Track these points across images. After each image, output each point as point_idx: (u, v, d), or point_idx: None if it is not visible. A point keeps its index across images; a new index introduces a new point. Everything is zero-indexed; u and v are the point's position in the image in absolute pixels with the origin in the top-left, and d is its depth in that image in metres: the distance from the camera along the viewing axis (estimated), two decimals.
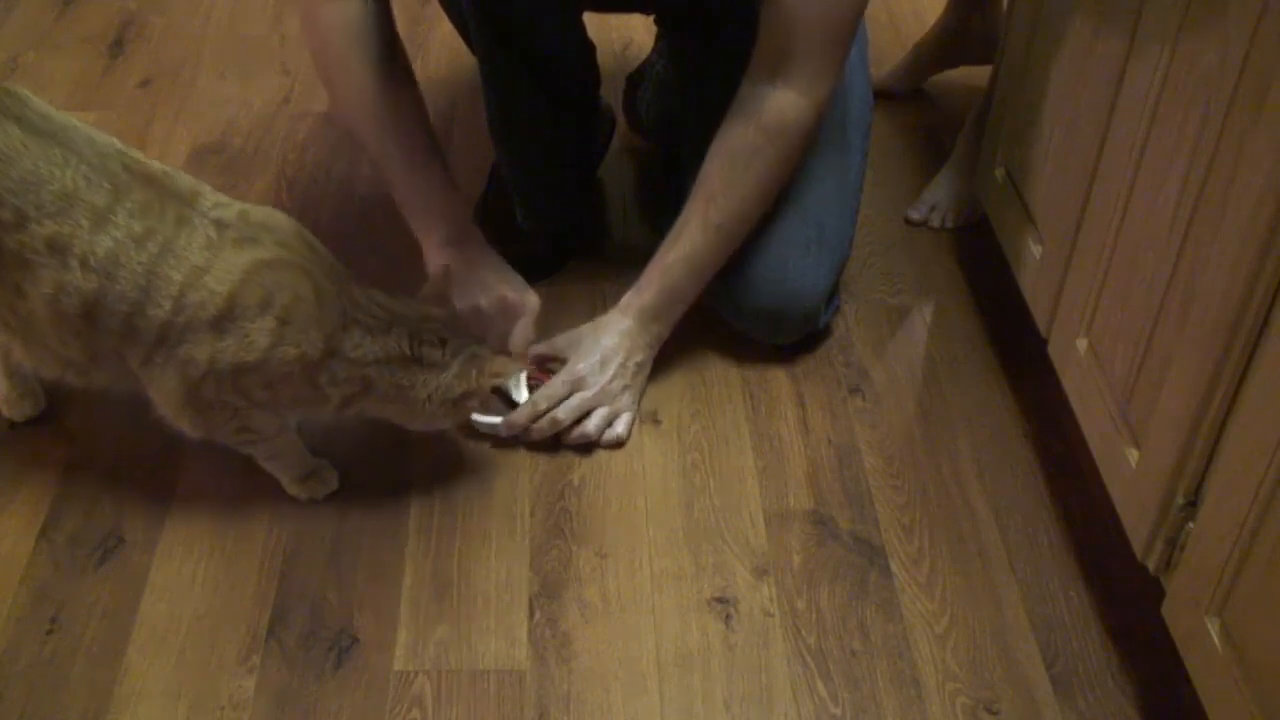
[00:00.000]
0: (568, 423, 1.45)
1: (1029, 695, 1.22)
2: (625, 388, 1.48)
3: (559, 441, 1.46)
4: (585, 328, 1.51)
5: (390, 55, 1.46)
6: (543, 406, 1.44)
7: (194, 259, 1.20)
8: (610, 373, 1.46)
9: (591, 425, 1.45)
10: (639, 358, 1.49)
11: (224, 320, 1.21)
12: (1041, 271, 1.43)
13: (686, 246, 1.46)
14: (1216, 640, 1.03)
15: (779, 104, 1.40)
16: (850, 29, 1.41)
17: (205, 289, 1.20)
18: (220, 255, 1.21)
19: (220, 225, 1.22)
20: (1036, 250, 1.45)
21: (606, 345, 1.47)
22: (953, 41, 1.99)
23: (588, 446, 1.46)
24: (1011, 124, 1.56)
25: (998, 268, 1.59)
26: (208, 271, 1.20)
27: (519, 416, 1.44)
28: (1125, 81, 1.22)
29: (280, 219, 1.28)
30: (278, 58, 2.14)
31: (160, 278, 1.19)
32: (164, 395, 1.26)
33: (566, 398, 1.45)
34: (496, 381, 1.32)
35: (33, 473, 1.41)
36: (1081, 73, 1.33)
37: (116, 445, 1.44)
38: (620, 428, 1.47)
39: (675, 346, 1.53)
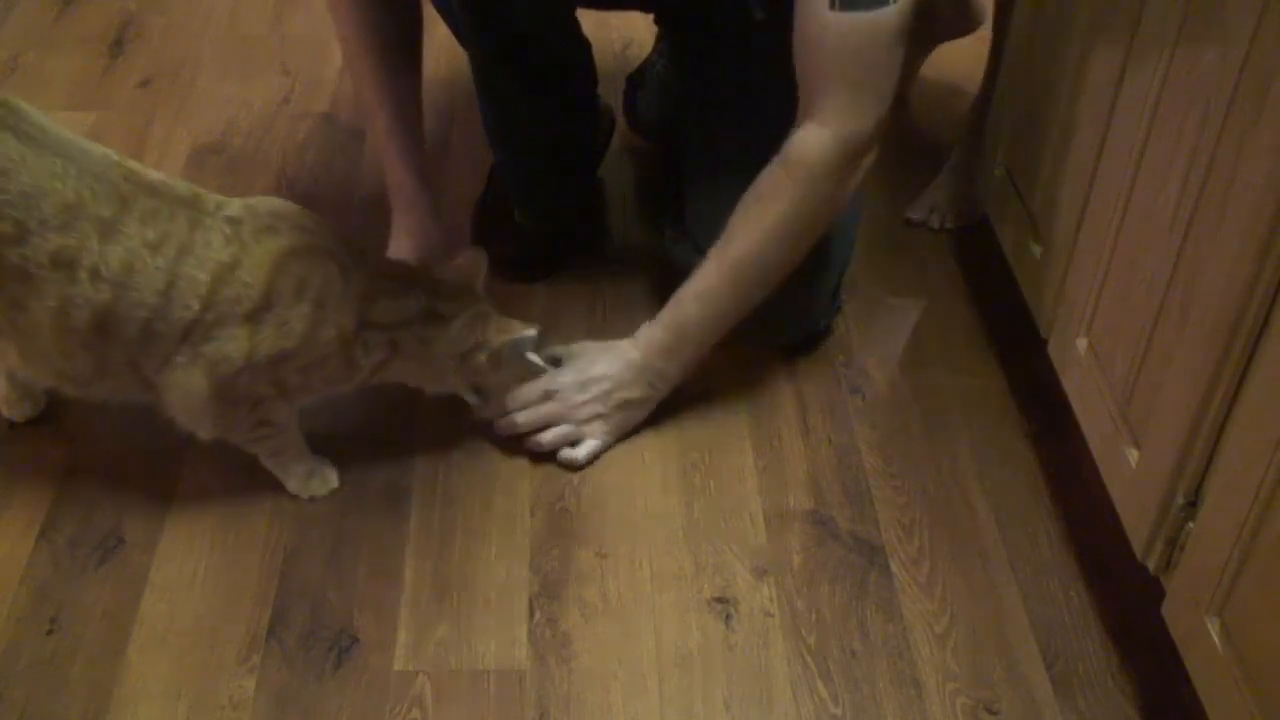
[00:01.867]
0: (524, 430, 1.42)
1: (1029, 695, 1.22)
2: (598, 416, 1.42)
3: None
4: (597, 346, 1.46)
5: (406, 38, 1.49)
6: (510, 406, 1.42)
7: (218, 256, 1.20)
8: (587, 395, 1.42)
9: (546, 437, 1.42)
10: (631, 394, 1.43)
11: (260, 311, 1.22)
12: (1041, 271, 1.43)
13: (700, 283, 1.40)
14: (1216, 640, 1.03)
15: (803, 138, 1.34)
16: (879, 58, 1.32)
17: (239, 283, 1.21)
18: (247, 249, 1.22)
19: (233, 221, 1.23)
20: (1036, 250, 1.45)
21: (599, 369, 1.43)
22: (923, 22, 1.96)
23: None
24: (1011, 124, 1.56)
25: (998, 268, 1.59)
26: (239, 266, 1.21)
27: (487, 410, 1.42)
28: (1125, 82, 1.22)
29: (285, 204, 1.29)
30: (278, 58, 2.14)
31: (184, 279, 1.20)
32: (185, 395, 1.26)
33: (537, 403, 1.42)
34: (506, 339, 1.33)
35: (32, 473, 1.40)
36: (1081, 73, 1.33)
37: (116, 445, 1.44)
38: (580, 452, 1.42)
39: None
